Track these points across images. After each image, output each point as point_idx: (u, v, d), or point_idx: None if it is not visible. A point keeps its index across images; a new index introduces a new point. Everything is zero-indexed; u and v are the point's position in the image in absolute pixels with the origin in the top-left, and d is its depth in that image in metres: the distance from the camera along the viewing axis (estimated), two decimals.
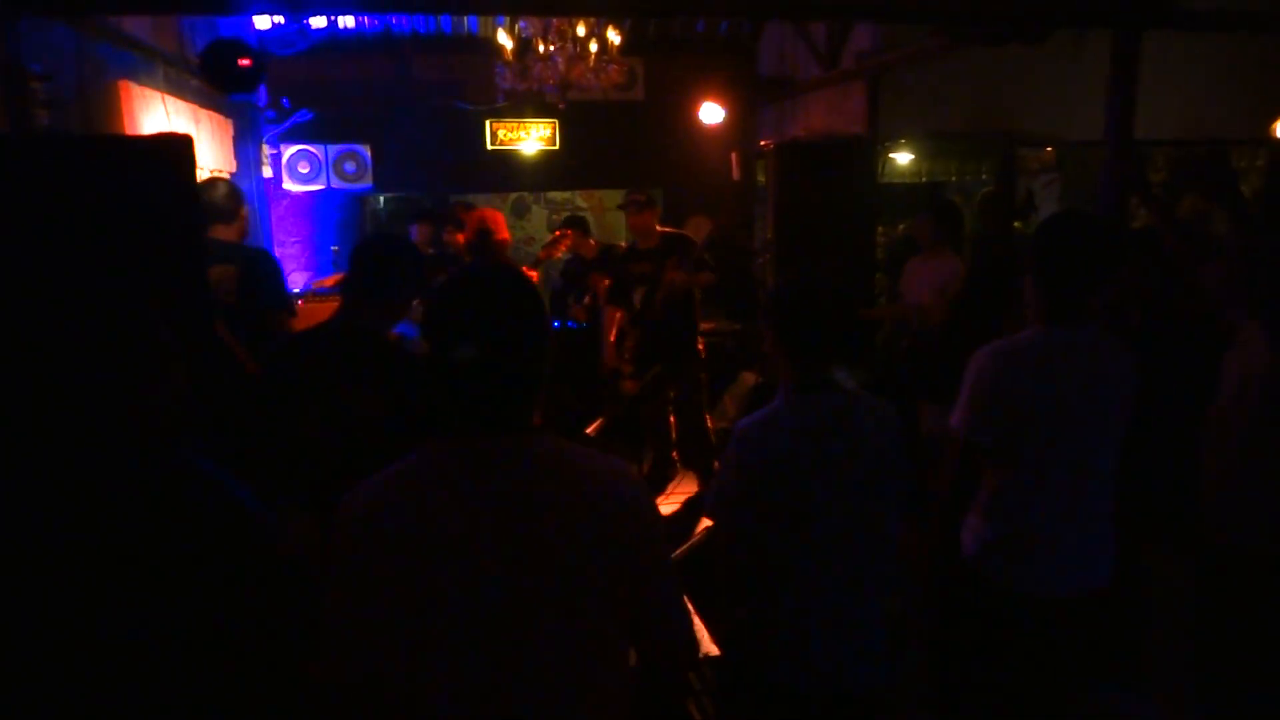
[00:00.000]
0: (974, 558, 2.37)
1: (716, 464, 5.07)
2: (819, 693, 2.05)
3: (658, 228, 5.20)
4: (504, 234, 4.67)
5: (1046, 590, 2.29)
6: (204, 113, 5.12)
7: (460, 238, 5.24)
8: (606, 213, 9.10)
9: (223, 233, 3.54)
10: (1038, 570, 2.28)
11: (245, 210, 3.71)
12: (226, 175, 5.09)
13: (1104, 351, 2.27)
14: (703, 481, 5.10)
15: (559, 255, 6.36)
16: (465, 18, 6.92)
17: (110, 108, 3.94)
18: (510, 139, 7.39)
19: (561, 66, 5.59)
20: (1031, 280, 2.29)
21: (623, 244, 6.22)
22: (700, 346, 5.29)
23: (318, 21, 6.51)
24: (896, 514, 2.10)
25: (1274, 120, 6.25)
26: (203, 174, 4.52)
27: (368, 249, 2.71)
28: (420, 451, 1.37)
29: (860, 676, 2.07)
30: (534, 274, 5.34)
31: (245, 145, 6.04)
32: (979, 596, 2.36)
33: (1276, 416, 2.46)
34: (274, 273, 3.67)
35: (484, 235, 4.53)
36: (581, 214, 7.49)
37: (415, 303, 2.65)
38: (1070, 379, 2.22)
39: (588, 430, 5.34)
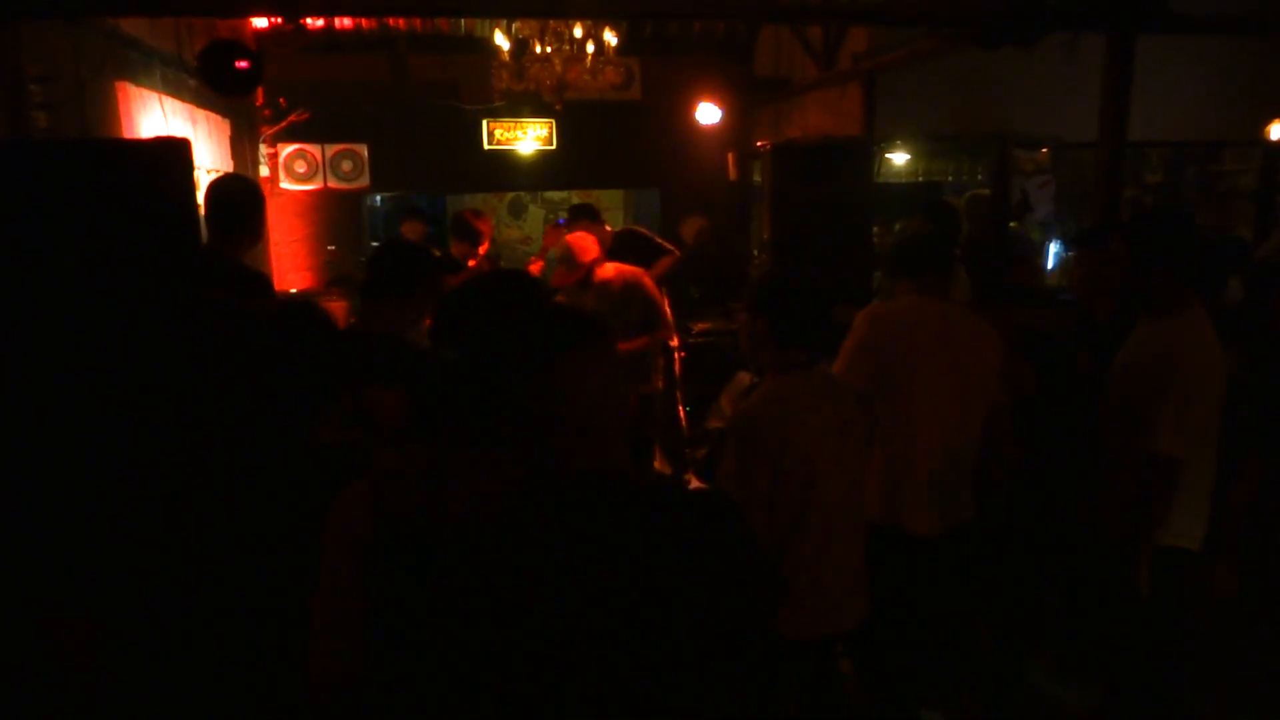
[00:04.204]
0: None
1: (690, 451, 5.09)
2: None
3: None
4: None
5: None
6: (201, 113, 5.13)
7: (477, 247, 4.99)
8: (605, 212, 9.08)
9: (229, 250, 2.92)
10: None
11: (256, 219, 3.02)
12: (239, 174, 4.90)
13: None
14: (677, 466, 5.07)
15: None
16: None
17: (108, 109, 3.95)
18: (507, 139, 7.39)
19: (558, 67, 5.60)
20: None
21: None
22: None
23: (315, 21, 6.51)
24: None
25: (1268, 123, 6.28)
26: (200, 175, 4.52)
27: (386, 253, 2.73)
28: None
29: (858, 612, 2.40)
30: (538, 265, 5.34)
31: (242, 145, 6.05)
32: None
33: None
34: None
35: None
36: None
37: None
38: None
39: None
